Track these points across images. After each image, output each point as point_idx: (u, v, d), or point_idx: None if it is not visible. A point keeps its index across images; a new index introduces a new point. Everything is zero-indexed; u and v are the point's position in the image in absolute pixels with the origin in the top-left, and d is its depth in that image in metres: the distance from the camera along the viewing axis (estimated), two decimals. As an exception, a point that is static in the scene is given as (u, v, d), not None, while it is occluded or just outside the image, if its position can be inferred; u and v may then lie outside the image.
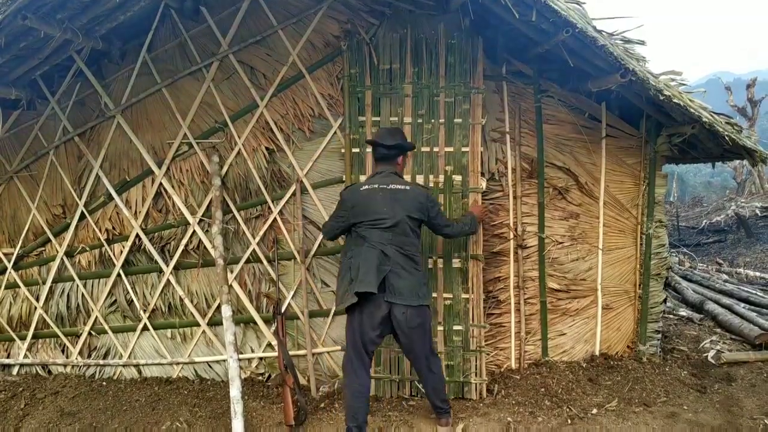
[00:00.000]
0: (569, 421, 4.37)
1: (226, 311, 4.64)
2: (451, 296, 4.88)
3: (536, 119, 5.12)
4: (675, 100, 4.31)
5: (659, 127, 5.11)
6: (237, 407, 4.14)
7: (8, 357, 5.55)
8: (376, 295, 3.87)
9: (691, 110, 4.39)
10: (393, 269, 3.93)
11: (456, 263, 4.88)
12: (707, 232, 16.40)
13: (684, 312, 7.37)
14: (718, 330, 6.61)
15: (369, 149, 4.79)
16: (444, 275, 4.88)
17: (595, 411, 4.51)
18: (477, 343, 4.90)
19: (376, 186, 4.07)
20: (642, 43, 4.55)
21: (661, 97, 4.29)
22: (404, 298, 3.93)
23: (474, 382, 4.87)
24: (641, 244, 5.28)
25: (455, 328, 4.88)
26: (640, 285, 5.30)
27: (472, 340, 4.89)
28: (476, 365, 4.89)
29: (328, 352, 5.17)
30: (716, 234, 16.04)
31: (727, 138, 4.52)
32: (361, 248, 3.98)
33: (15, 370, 5.54)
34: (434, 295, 4.88)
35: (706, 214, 18.51)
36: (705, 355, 5.65)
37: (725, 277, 10.20)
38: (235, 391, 4.25)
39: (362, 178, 4.85)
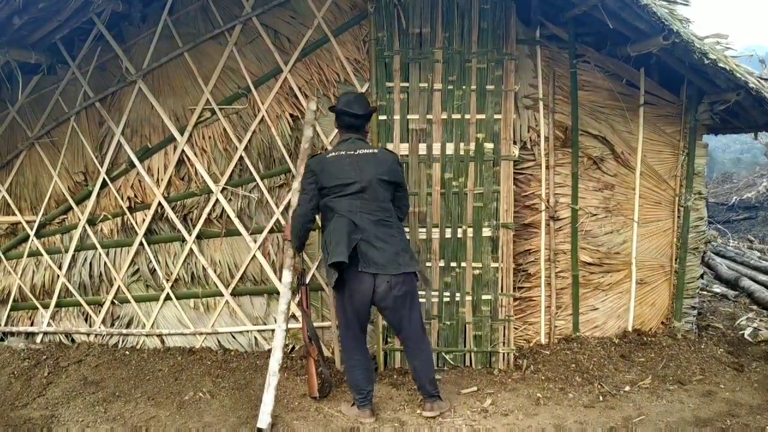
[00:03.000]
0: (601, 398, 4.24)
1: (287, 277, 4.26)
2: (480, 265, 4.79)
3: (571, 85, 4.92)
4: (721, 65, 4.11)
5: (701, 94, 4.90)
6: (272, 380, 3.95)
7: (32, 325, 5.54)
8: (354, 268, 3.74)
9: (738, 75, 4.19)
10: (364, 238, 3.77)
11: (486, 232, 4.77)
12: (737, 209, 16.08)
13: (718, 288, 7.19)
14: (755, 307, 6.45)
15: (395, 117, 4.73)
16: (473, 244, 4.77)
17: (627, 388, 4.38)
18: (506, 312, 4.83)
19: (343, 153, 3.91)
20: (686, 3, 4.33)
21: (706, 61, 4.09)
22: (380, 267, 3.76)
23: (502, 351, 4.81)
24: (678, 217, 5.10)
25: (484, 297, 4.80)
26: (676, 259, 5.13)
27: (500, 309, 4.82)
28: (504, 335, 4.83)
29: (352, 324, 5.06)
30: (747, 211, 15.72)
31: (775, 105, 4.30)
32: (332, 220, 3.85)
33: (39, 338, 5.52)
34: (463, 264, 4.78)
35: (736, 190, 18.15)
36: (741, 332, 5.50)
37: (758, 254, 9.95)
38: (274, 363, 4.01)
39: (389, 145, 4.71)
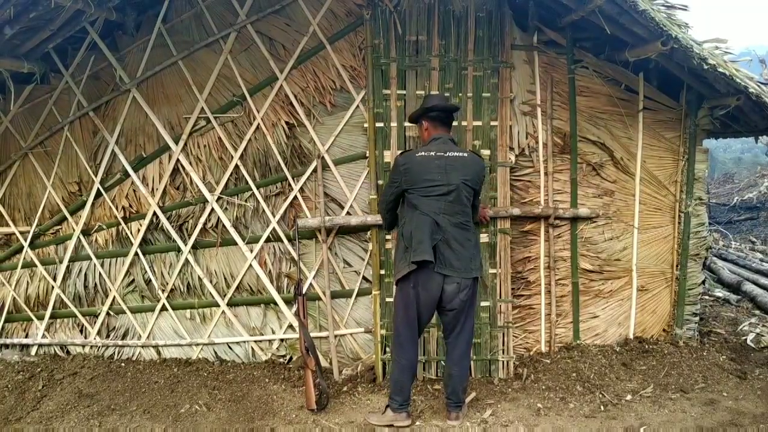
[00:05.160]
0: (602, 408, 4.19)
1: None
2: (479, 272, 4.74)
3: (569, 91, 4.88)
4: (720, 70, 4.06)
5: (700, 99, 4.86)
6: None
7: (27, 337, 5.48)
8: (429, 267, 3.79)
9: (737, 80, 4.15)
10: (444, 238, 3.82)
11: (484, 238, 4.73)
12: (739, 209, 16.04)
13: (720, 293, 7.14)
14: (757, 312, 6.40)
15: (392, 124, 4.67)
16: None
17: (629, 397, 4.32)
18: (504, 319, 4.81)
19: (433, 153, 3.92)
20: (685, 8, 4.29)
21: (705, 66, 4.05)
22: (455, 270, 3.83)
23: (501, 359, 4.78)
24: (679, 223, 5.05)
25: (483, 304, 4.76)
26: (677, 266, 5.08)
27: (499, 316, 4.80)
28: (504, 342, 4.80)
29: (350, 334, 5.02)
30: (748, 211, 15.67)
31: (776, 110, 4.25)
32: (413, 216, 3.89)
33: (33, 351, 5.47)
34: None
35: (738, 190, 18.11)
36: (744, 338, 5.45)
37: (760, 256, 9.90)
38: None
39: (386, 153, 4.70)
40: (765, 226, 14.07)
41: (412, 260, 3.78)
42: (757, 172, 20.15)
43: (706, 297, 6.92)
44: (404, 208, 4.04)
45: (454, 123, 4.64)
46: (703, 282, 5.44)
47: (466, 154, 3.99)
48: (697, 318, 5.22)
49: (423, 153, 3.94)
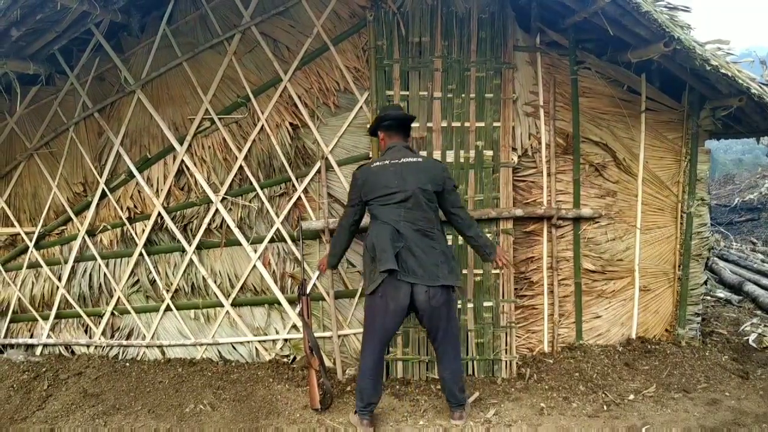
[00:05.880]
0: (605, 408, 4.20)
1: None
2: (481, 272, 4.80)
3: (572, 92, 4.90)
4: (722, 71, 4.08)
5: (702, 99, 4.88)
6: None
7: (32, 337, 5.50)
8: (394, 275, 3.75)
9: (740, 81, 4.16)
10: (406, 245, 3.79)
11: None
12: (740, 210, 16.01)
13: (722, 293, 7.15)
14: (759, 312, 6.40)
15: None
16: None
17: (632, 397, 4.34)
18: (507, 319, 4.82)
19: (387, 162, 3.95)
20: (687, 9, 4.28)
21: (708, 68, 4.06)
22: (418, 277, 3.78)
23: (504, 359, 4.79)
24: (681, 224, 5.07)
25: (485, 304, 4.80)
26: (679, 266, 5.09)
27: (502, 316, 4.82)
28: (506, 342, 4.81)
29: (354, 334, 5.03)
30: (749, 212, 15.65)
31: (777, 111, 4.28)
32: (375, 226, 3.91)
33: (38, 351, 5.49)
34: (464, 271, 4.77)
35: (739, 191, 18.06)
36: (746, 338, 5.46)
37: (761, 257, 9.90)
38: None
39: (390, 154, 4.70)
40: (766, 228, 14.04)
41: (380, 270, 3.76)
42: (757, 173, 20.11)
43: (708, 297, 6.93)
44: (369, 221, 4.04)
45: (457, 123, 4.71)
46: (705, 282, 5.45)
47: (420, 159, 3.98)
48: (699, 318, 5.23)
49: (378, 163, 3.97)
